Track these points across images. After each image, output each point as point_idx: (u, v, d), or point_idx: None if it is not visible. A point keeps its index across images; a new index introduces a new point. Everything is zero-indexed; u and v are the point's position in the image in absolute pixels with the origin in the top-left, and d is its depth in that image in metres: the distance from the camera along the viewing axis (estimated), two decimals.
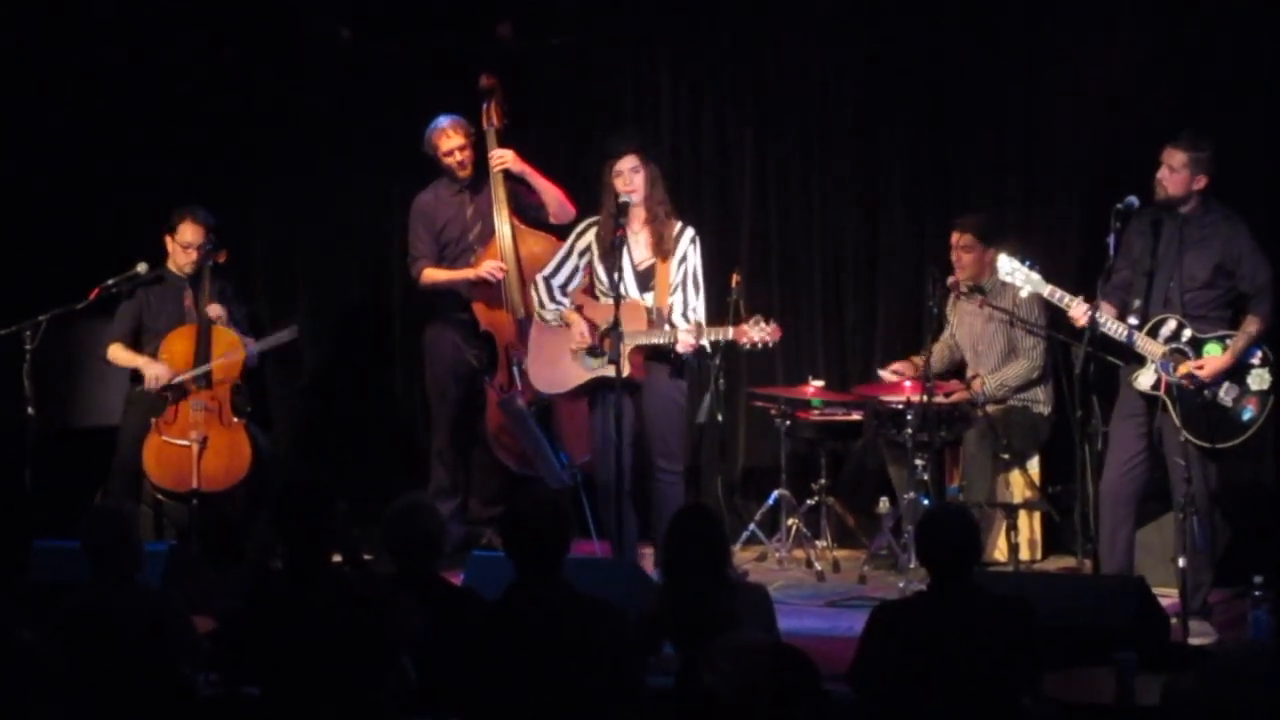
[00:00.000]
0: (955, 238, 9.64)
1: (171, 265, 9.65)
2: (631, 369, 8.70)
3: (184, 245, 9.58)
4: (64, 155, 10.80)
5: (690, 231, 8.97)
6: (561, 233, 9.34)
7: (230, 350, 9.57)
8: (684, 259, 8.91)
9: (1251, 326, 8.22)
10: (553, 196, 9.75)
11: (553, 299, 9.02)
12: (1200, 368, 8.18)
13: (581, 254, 9.04)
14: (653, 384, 8.84)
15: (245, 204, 11.16)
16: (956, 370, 9.84)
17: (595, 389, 8.91)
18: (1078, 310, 8.30)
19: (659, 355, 8.83)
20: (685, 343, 8.72)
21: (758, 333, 8.68)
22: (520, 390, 9.57)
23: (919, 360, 9.53)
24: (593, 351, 8.85)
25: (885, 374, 9.75)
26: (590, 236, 9.02)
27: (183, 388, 9.48)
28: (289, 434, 11.09)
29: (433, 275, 9.86)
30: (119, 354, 9.63)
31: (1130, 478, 8.37)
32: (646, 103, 10.98)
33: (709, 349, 8.93)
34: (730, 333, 8.75)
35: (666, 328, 8.77)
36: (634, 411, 8.83)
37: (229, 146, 11.07)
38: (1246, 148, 9.43)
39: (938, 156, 10.47)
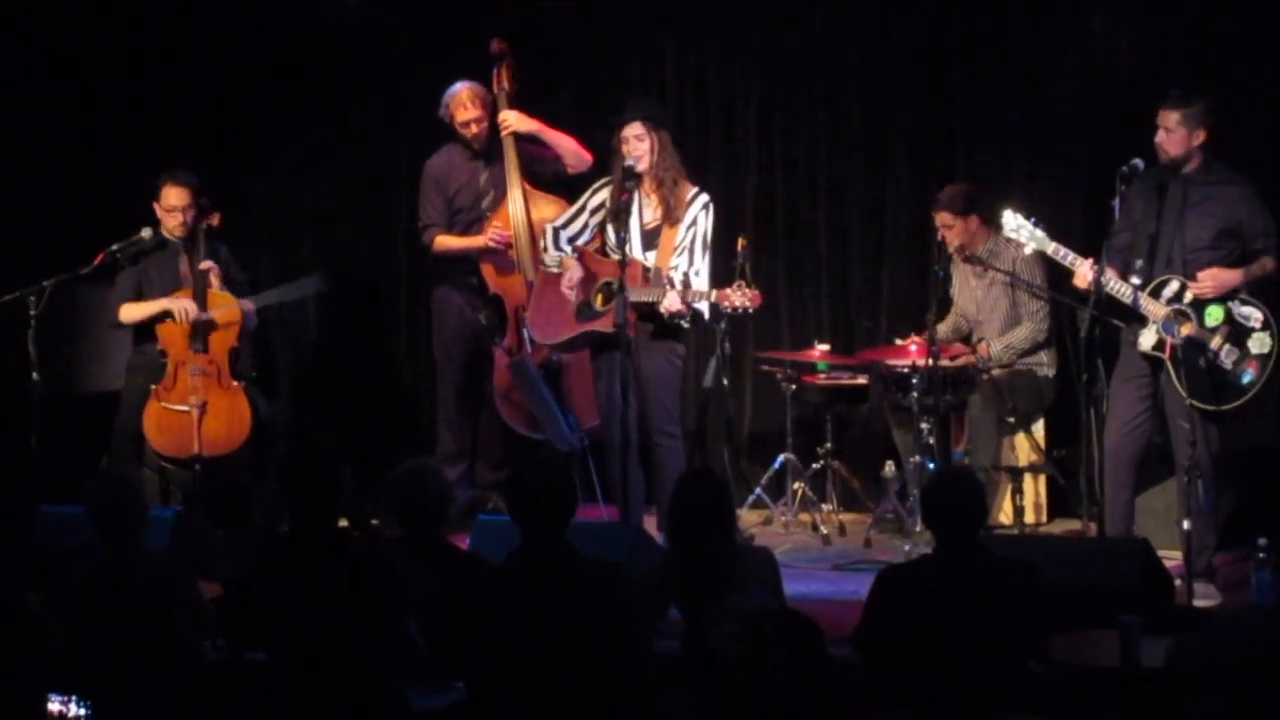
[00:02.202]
0: (935, 217, 9.62)
1: (165, 231, 9.63)
2: (626, 326, 8.73)
3: (168, 209, 9.54)
4: (68, 120, 10.78)
5: (704, 197, 8.96)
6: (573, 196, 9.34)
7: (227, 314, 9.55)
8: (693, 223, 8.91)
9: (1269, 263, 8.23)
10: (567, 148, 9.77)
11: (557, 247, 9.05)
12: (1203, 279, 8.18)
13: (594, 211, 9.06)
14: (644, 344, 8.84)
15: (251, 168, 11.14)
16: (965, 339, 9.83)
17: (599, 351, 8.92)
18: (1083, 271, 8.29)
19: (650, 315, 8.84)
20: (669, 304, 8.72)
21: (739, 297, 8.67)
22: (530, 353, 9.58)
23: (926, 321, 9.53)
24: (583, 308, 8.88)
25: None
26: (604, 194, 9.04)
27: (210, 319, 9.44)
28: (295, 399, 11.09)
29: (445, 243, 9.86)
30: (133, 311, 9.56)
31: (1130, 439, 8.38)
32: (652, 67, 10.96)
33: (701, 314, 8.90)
34: (713, 295, 8.74)
35: (661, 288, 8.78)
36: (633, 374, 8.84)
37: (235, 110, 11.04)
38: (1256, 105, 9.44)
39: (943, 120, 10.46)
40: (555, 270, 9.08)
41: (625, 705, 5.69)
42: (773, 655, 4.74)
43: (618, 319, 8.58)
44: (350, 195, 11.28)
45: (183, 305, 9.44)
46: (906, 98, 10.51)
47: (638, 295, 8.74)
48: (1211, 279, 8.22)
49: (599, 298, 8.90)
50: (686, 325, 8.91)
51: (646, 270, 8.85)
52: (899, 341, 9.78)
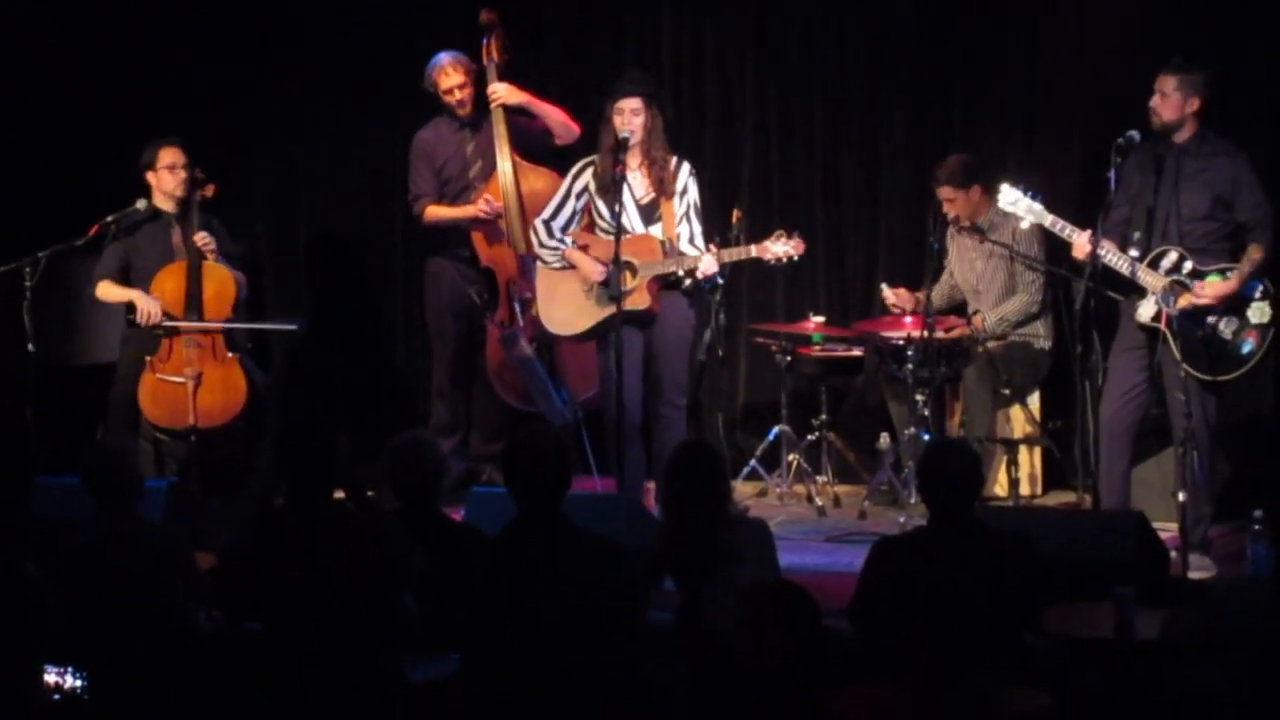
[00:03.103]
0: (937, 190, 9.60)
1: (158, 202, 9.61)
2: (650, 300, 8.74)
3: (169, 167, 9.53)
4: (65, 92, 10.77)
5: (687, 165, 9.00)
6: (563, 167, 9.32)
7: (221, 286, 9.55)
8: (685, 191, 8.94)
9: (1256, 254, 8.22)
10: (556, 119, 9.76)
11: (551, 238, 9.02)
12: (1202, 289, 8.18)
13: (579, 195, 9.05)
14: (667, 316, 8.86)
15: (246, 142, 11.14)
16: (956, 307, 9.83)
17: (607, 328, 8.93)
18: (1080, 243, 8.29)
19: (672, 285, 8.85)
20: (705, 268, 8.75)
21: (780, 247, 8.73)
22: (521, 326, 9.57)
23: (920, 295, 9.50)
24: (609, 284, 8.84)
25: (886, 291, 9.66)
26: (588, 176, 9.02)
27: (175, 326, 9.45)
28: (289, 371, 11.08)
29: (435, 213, 9.86)
30: (109, 290, 9.58)
31: (1127, 410, 8.39)
32: (648, 40, 10.94)
33: (724, 274, 8.94)
34: (753, 250, 8.79)
35: (685, 256, 8.78)
36: (644, 345, 8.84)
37: (229, 84, 11.03)
38: (1250, 78, 9.43)
39: (939, 90, 10.44)
40: (557, 266, 9.05)
41: (620, 677, 5.69)
42: (767, 627, 4.75)
43: (614, 293, 8.58)
44: (343, 170, 11.27)
45: (148, 308, 9.42)
46: (903, 70, 10.48)
47: (664, 267, 8.77)
48: (1210, 290, 8.21)
49: (624, 275, 8.83)
50: (710, 289, 8.94)
51: (662, 243, 8.85)
52: (884, 287, 9.70)
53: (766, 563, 6.58)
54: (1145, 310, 8.29)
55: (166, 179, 9.56)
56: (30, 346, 9.19)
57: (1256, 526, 7.55)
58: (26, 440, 9.03)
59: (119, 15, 10.84)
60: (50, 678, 5.99)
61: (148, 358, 9.44)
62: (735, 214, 9.41)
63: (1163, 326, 8.23)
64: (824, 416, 9.93)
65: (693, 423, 9.91)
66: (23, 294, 9.21)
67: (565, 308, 9.05)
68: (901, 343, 9.31)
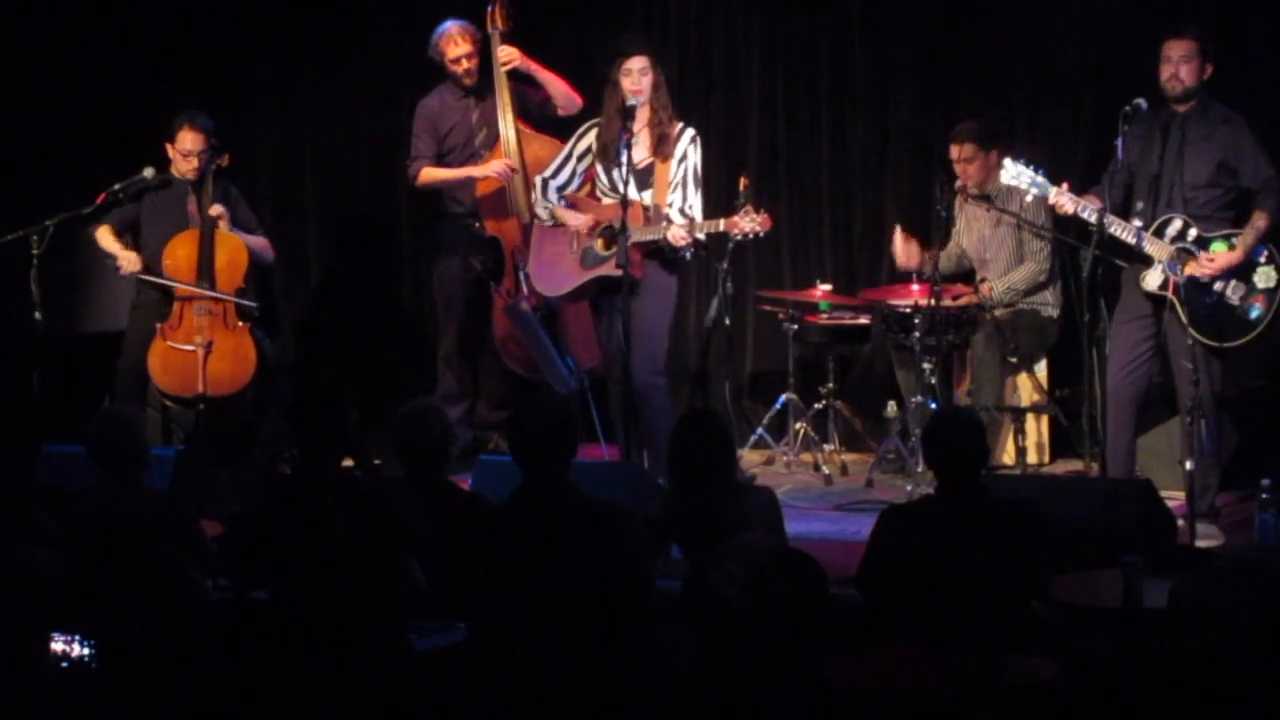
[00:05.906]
0: (955, 151, 9.55)
1: (174, 171, 9.62)
2: (632, 267, 8.72)
3: (184, 153, 9.54)
4: (71, 59, 10.76)
5: (690, 132, 8.96)
6: (566, 135, 9.32)
7: (233, 254, 9.55)
8: (684, 158, 8.90)
9: (1260, 222, 8.22)
10: (558, 89, 9.75)
11: (546, 198, 9.02)
12: (1210, 260, 8.19)
13: (581, 157, 9.04)
14: (649, 283, 8.81)
15: (253, 109, 11.12)
16: (963, 275, 9.82)
17: (598, 292, 8.91)
18: (1063, 201, 8.30)
19: (654, 253, 8.83)
20: (677, 235, 8.69)
21: (748, 223, 8.68)
22: (526, 295, 9.56)
23: (928, 254, 9.46)
24: (587, 254, 8.84)
25: (898, 237, 9.60)
26: (591, 138, 9.01)
27: (162, 284, 9.46)
28: (297, 340, 11.09)
29: (431, 175, 9.82)
30: (103, 236, 9.60)
31: (1132, 379, 8.39)
32: (654, 5, 10.91)
33: (703, 243, 8.90)
34: (721, 224, 8.75)
35: (663, 224, 8.76)
36: (625, 313, 8.80)
37: (237, 50, 11.02)
38: (1253, 44, 9.41)
39: (945, 57, 10.41)
40: (549, 224, 9.07)
41: (627, 644, 5.70)
42: (774, 594, 4.75)
43: (619, 260, 8.57)
44: (351, 138, 11.25)
45: (126, 260, 9.49)
46: (909, 35, 10.45)
47: (642, 234, 8.72)
48: (1216, 263, 8.21)
49: (600, 242, 8.88)
50: (689, 257, 8.91)
51: (646, 209, 8.83)
52: (896, 237, 9.66)
53: (773, 530, 6.59)
54: (1152, 279, 8.29)
55: (179, 161, 9.57)
56: (37, 315, 9.19)
57: (1264, 495, 7.55)
58: (32, 409, 9.05)
59: None
60: (58, 646, 6.01)
61: (158, 325, 9.45)
62: (742, 181, 9.38)
63: (1170, 295, 8.23)
64: (831, 384, 9.92)
65: (699, 390, 9.92)
66: (30, 262, 9.21)
67: (552, 267, 9.06)
68: (908, 311, 9.30)
